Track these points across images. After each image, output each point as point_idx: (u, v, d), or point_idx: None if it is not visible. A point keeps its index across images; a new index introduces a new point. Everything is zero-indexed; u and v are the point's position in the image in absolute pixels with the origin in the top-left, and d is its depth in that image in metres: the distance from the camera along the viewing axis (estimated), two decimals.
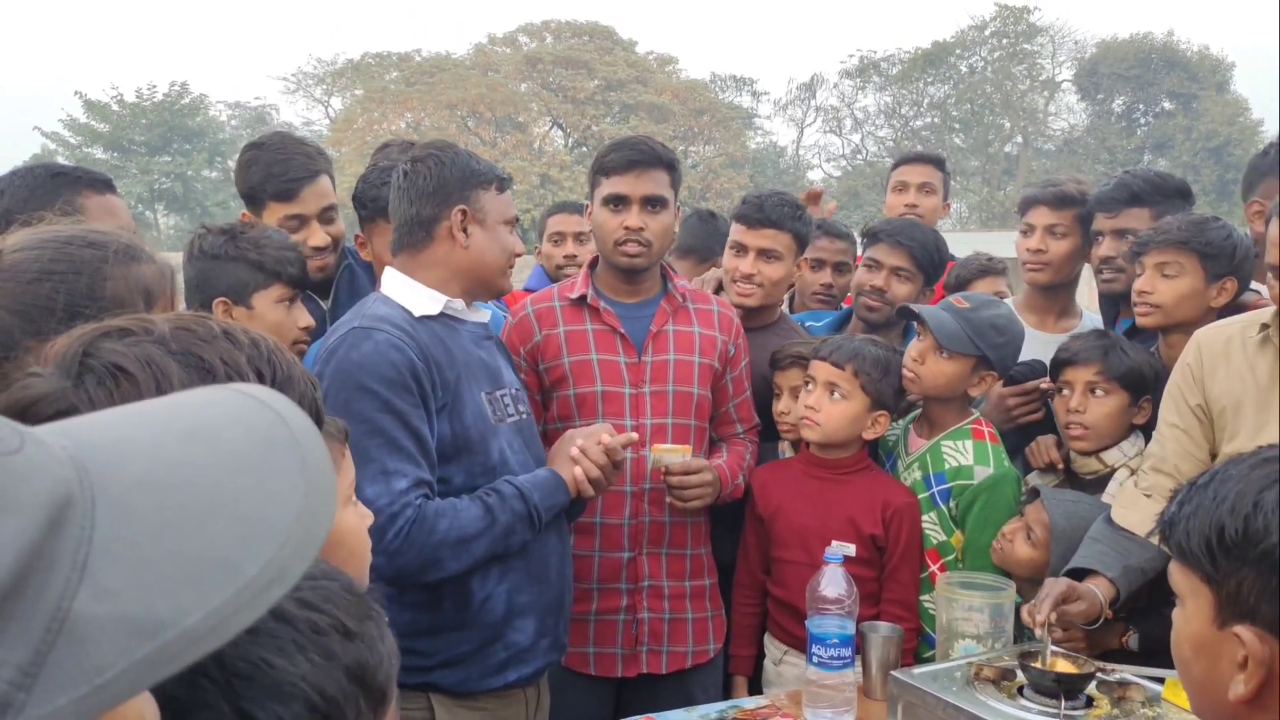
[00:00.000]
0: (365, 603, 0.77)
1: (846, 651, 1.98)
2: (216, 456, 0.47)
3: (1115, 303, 2.67)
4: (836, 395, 2.31)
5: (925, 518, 2.34)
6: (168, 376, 0.86)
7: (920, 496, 2.35)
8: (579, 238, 3.67)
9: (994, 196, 38.28)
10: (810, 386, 2.35)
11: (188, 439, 0.48)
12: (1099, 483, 2.33)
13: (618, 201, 2.31)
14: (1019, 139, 41.67)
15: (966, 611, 2.07)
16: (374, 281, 2.51)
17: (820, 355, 2.34)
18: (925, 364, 2.33)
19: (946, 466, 2.33)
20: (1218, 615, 0.95)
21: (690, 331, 2.40)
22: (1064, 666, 1.83)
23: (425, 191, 1.98)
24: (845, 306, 3.05)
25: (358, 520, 1.31)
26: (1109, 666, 1.88)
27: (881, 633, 2.12)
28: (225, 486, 0.46)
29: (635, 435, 2.13)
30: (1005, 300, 2.75)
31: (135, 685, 0.40)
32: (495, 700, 2.01)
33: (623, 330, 2.35)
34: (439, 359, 1.93)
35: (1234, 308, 2.28)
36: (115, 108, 36.36)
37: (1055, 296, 2.77)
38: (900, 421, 2.53)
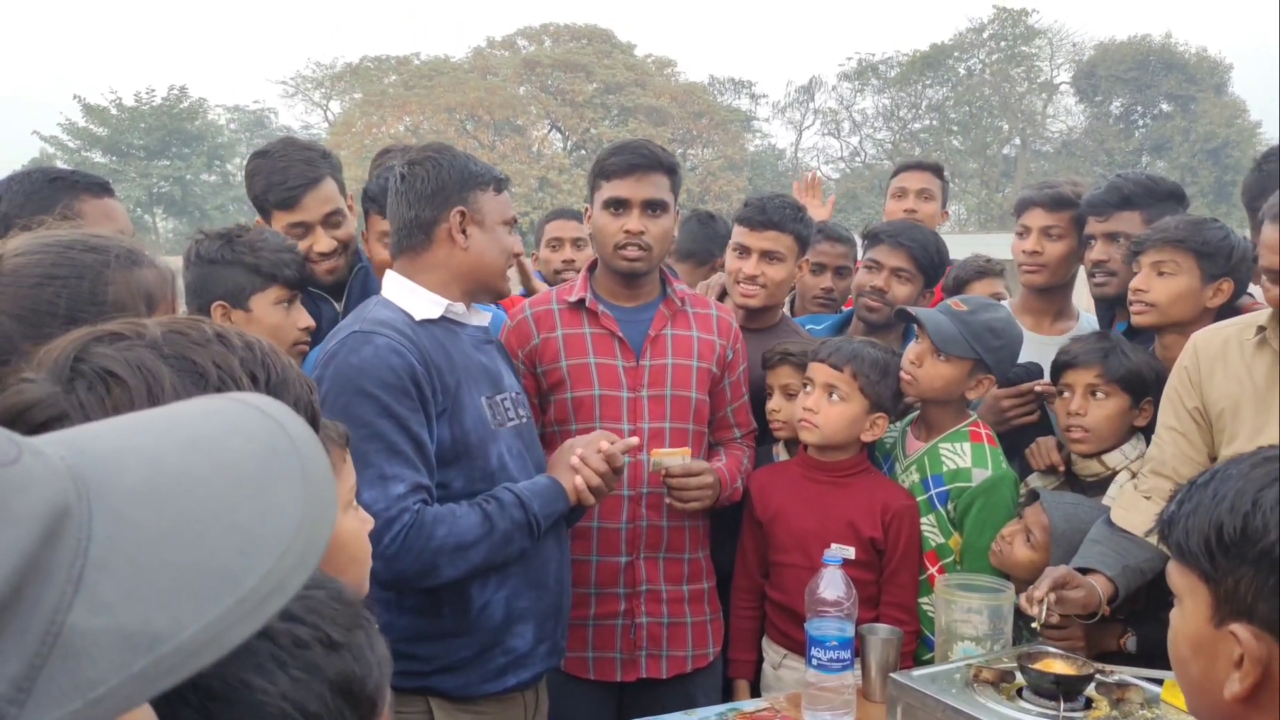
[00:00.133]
0: (354, 611, 0.75)
1: (846, 654, 1.97)
2: (216, 467, 0.47)
3: (1110, 306, 2.67)
4: (835, 397, 2.31)
5: (923, 520, 2.34)
6: (159, 381, 0.85)
7: (918, 499, 2.35)
8: (576, 243, 3.67)
9: (992, 198, 38.31)
10: (809, 388, 2.35)
11: (188, 449, 0.47)
12: (1100, 485, 2.33)
13: (618, 205, 2.31)
14: (1017, 141, 41.71)
15: (965, 613, 2.07)
16: None
17: (819, 357, 2.34)
18: (923, 366, 2.33)
19: (944, 469, 2.33)
20: (1215, 614, 0.95)
21: (689, 336, 2.40)
22: (1063, 668, 1.83)
23: (423, 194, 1.98)
24: (846, 309, 3.06)
25: (358, 525, 1.31)
26: (1108, 668, 1.88)
27: (881, 635, 2.12)
28: (225, 497, 0.46)
29: (635, 440, 2.13)
30: (1003, 303, 2.75)
31: (131, 699, 0.39)
32: (494, 705, 2.01)
33: (621, 334, 2.35)
34: (439, 363, 1.93)
35: (1230, 311, 2.28)
36: (114, 111, 36.38)
37: (1051, 298, 2.77)
38: (898, 424, 2.53)
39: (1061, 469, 2.41)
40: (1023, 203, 2.78)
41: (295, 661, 0.68)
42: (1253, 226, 2.56)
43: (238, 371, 0.89)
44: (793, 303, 3.36)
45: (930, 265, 2.79)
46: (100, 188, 1.95)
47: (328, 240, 2.51)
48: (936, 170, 3.70)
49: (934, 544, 2.33)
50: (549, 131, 39.40)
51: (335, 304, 2.60)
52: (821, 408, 2.31)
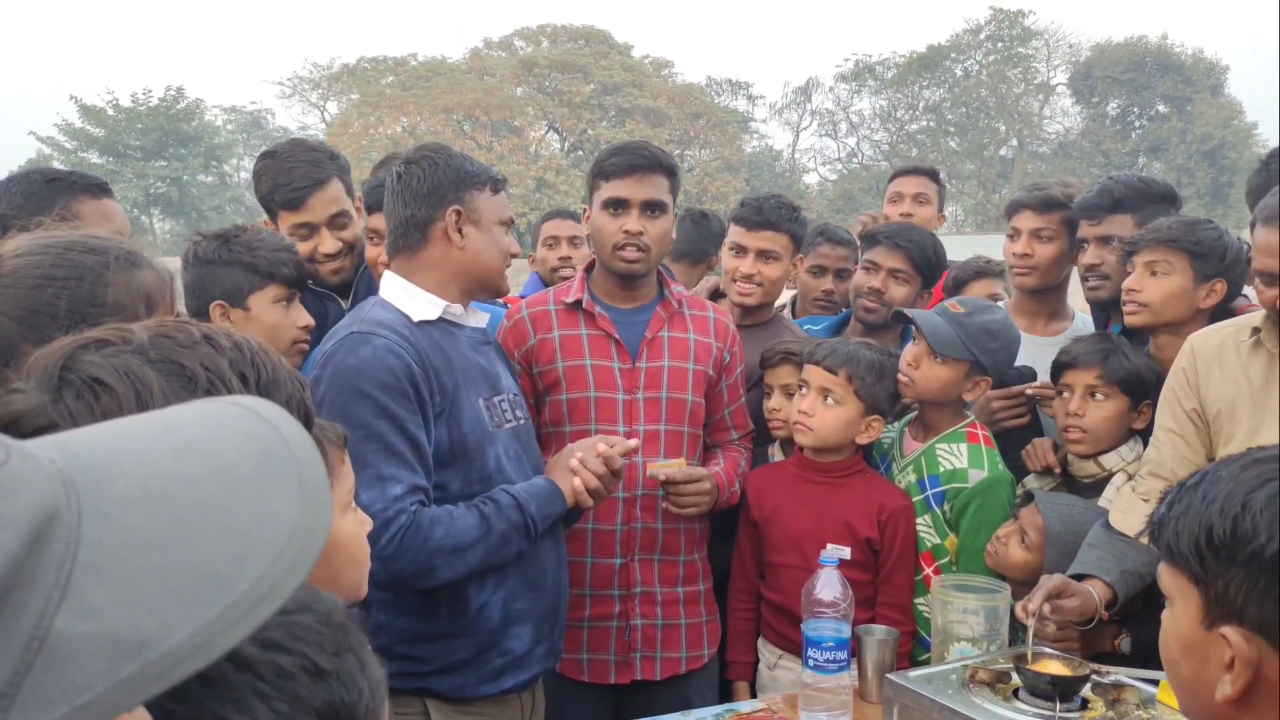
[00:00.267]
0: (343, 633, 0.72)
1: (842, 655, 1.98)
2: (210, 471, 0.46)
3: (1105, 309, 2.67)
4: (830, 400, 2.31)
5: (920, 520, 2.34)
6: (148, 386, 0.85)
7: (915, 499, 2.35)
8: (573, 241, 3.68)
9: (989, 199, 38.34)
10: (804, 390, 2.36)
11: (181, 453, 0.47)
12: (1096, 486, 2.33)
13: (618, 205, 2.31)
14: (1014, 142, 41.75)
15: (962, 614, 2.07)
16: None
17: (814, 360, 2.35)
18: (919, 368, 2.34)
19: (941, 469, 2.33)
20: (1205, 616, 0.95)
21: (685, 338, 2.40)
22: (1059, 669, 1.84)
23: (419, 193, 1.98)
24: (844, 311, 3.06)
25: (357, 527, 1.30)
26: (1104, 669, 1.88)
27: (877, 636, 2.12)
28: (218, 501, 0.45)
29: (634, 443, 2.12)
30: (999, 304, 2.75)
31: (118, 705, 0.39)
32: (491, 706, 2.01)
33: (617, 336, 2.35)
34: (437, 365, 1.93)
35: (1224, 312, 2.29)
36: (110, 112, 36.32)
37: (1045, 299, 2.77)
38: (895, 424, 2.54)
39: (1058, 470, 2.41)
40: (1013, 205, 2.79)
41: (278, 694, 0.65)
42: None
43: (227, 372, 0.88)
44: (794, 304, 3.38)
45: (928, 266, 2.80)
46: (99, 189, 1.95)
47: (333, 241, 2.51)
48: (932, 175, 3.73)
49: (930, 544, 2.34)
50: (546, 132, 39.40)
51: (342, 302, 2.60)
52: (816, 411, 2.31)
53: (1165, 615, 1.03)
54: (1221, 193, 35.11)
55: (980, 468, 2.30)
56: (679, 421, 2.36)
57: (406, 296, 2.00)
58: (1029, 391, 2.53)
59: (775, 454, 2.63)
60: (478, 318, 2.11)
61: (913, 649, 2.32)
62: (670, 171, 2.36)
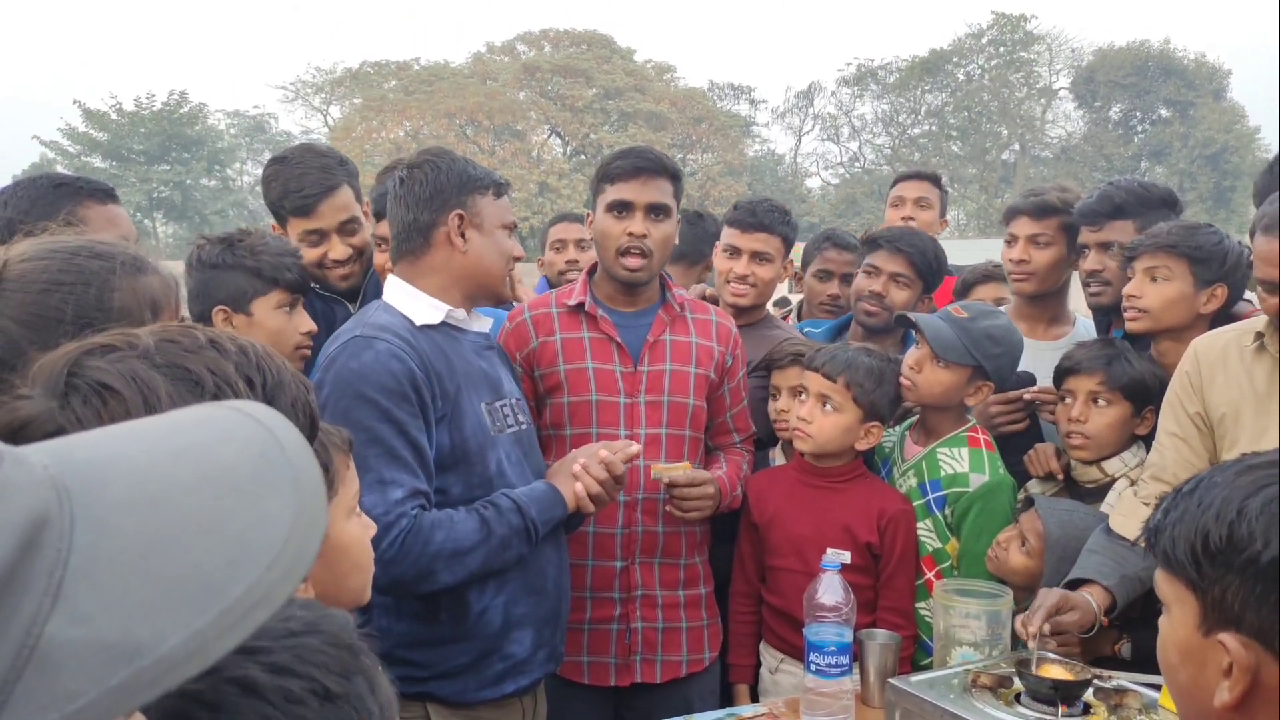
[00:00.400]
0: (353, 654, 0.72)
1: (844, 659, 1.98)
2: (205, 475, 0.46)
3: (1107, 315, 2.67)
4: (829, 407, 2.31)
5: (921, 525, 2.34)
6: (154, 391, 0.85)
7: (916, 504, 2.35)
8: (580, 244, 3.68)
9: (991, 204, 38.33)
10: (803, 397, 2.36)
11: (177, 457, 0.47)
12: (1099, 492, 2.32)
13: (622, 208, 2.32)
14: (1016, 146, 41.77)
15: (964, 619, 2.07)
16: None
17: (813, 366, 2.35)
18: (922, 372, 2.34)
19: (942, 474, 2.33)
20: (1203, 622, 0.95)
21: (687, 342, 2.41)
22: (1060, 673, 1.84)
23: (422, 198, 1.99)
24: (845, 315, 3.07)
25: (361, 531, 1.31)
26: (1105, 673, 1.88)
27: (879, 640, 2.12)
28: (213, 506, 0.45)
29: (636, 449, 2.12)
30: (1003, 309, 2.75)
31: (111, 712, 0.39)
32: (492, 710, 2.01)
33: (619, 339, 2.35)
34: (439, 369, 1.93)
35: (1226, 317, 2.28)
36: (114, 116, 36.42)
37: (1044, 304, 2.77)
38: (896, 428, 2.54)
39: (1060, 476, 2.41)
40: (1010, 211, 2.79)
41: (286, 718, 0.65)
42: None
43: (233, 376, 0.89)
44: (800, 308, 3.39)
45: (928, 271, 2.80)
46: (104, 194, 1.95)
47: (343, 247, 2.51)
48: (934, 179, 3.74)
49: (931, 549, 2.34)
50: (549, 137, 39.45)
51: (350, 306, 2.61)
52: (815, 417, 2.32)
53: (1162, 622, 1.03)
54: (1224, 197, 35.10)
55: (981, 472, 2.30)
56: (680, 425, 2.36)
57: (410, 300, 2.00)
58: (1028, 396, 2.53)
59: (777, 457, 2.63)
60: (481, 322, 2.11)
61: (914, 653, 2.31)
62: (674, 176, 2.37)
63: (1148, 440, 2.30)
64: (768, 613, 2.42)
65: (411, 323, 1.96)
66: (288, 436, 0.50)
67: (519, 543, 1.94)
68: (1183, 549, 0.96)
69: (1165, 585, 1.01)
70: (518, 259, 2.10)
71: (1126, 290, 2.33)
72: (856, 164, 44.96)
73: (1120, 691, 1.83)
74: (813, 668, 1.98)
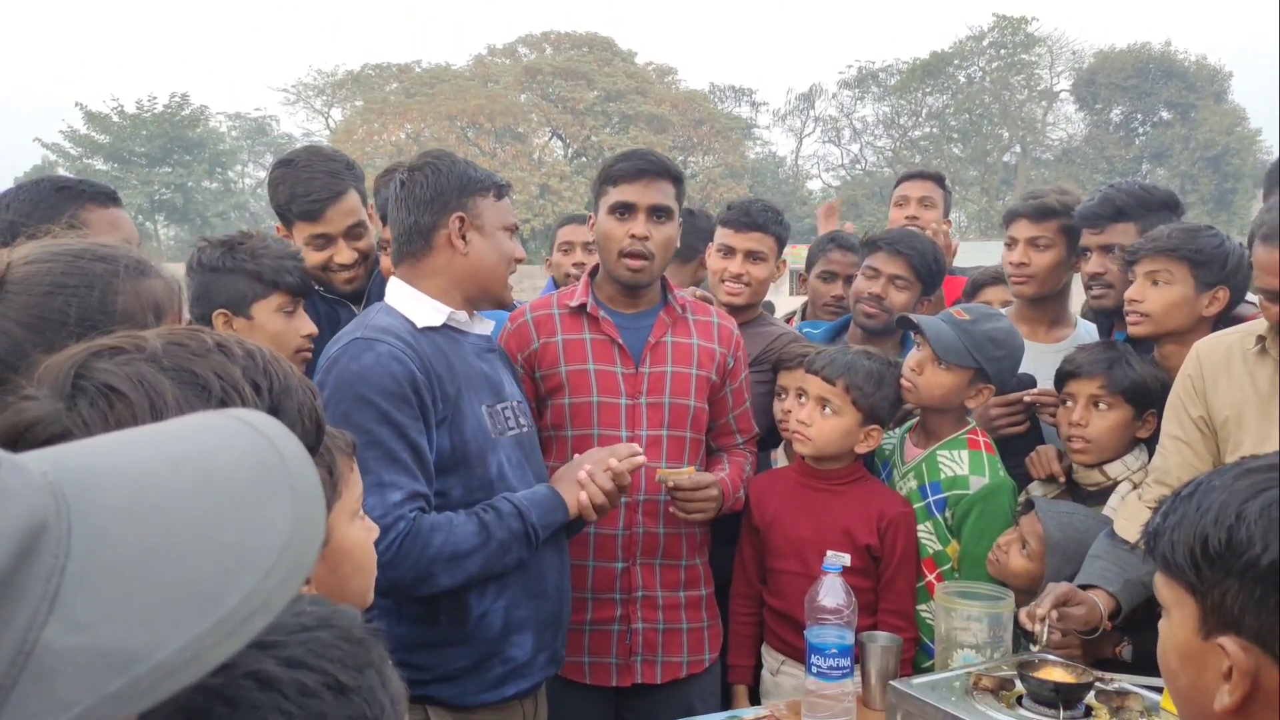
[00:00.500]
0: (365, 648, 0.73)
1: (845, 661, 1.97)
2: (203, 483, 0.46)
3: (1109, 317, 2.67)
4: (828, 410, 2.31)
5: (921, 527, 2.34)
6: (161, 395, 0.84)
7: (916, 506, 2.35)
8: (587, 247, 3.69)
9: (992, 206, 38.35)
10: (803, 399, 2.36)
11: (175, 465, 0.47)
12: (1100, 495, 2.32)
13: (625, 209, 2.32)
14: (1017, 149, 41.77)
15: (965, 621, 2.07)
16: None
17: (812, 369, 2.35)
18: (923, 374, 2.34)
19: (942, 476, 2.33)
20: (1202, 626, 0.95)
21: (689, 343, 2.41)
22: (1062, 676, 1.83)
23: (422, 200, 1.99)
24: (844, 316, 3.07)
25: (365, 534, 1.31)
26: (1107, 676, 1.88)
27: (880, 642, 2.12)
28: (210, 514, 0.45)
29: (642, 460, 2.12)
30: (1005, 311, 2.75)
31: (107, 719, 0.39)
32: (492, 713, 2.01)
33: (621, 341, 2.35)
34: (440, 371, 1.93)
35: (1230, 319, 2.28)
36: (116, 119, 36.47)
37: (1045, 307, 2.77)
38: (897, 431, 2.54)
39: (1062, 479, 2.41)
40: (1009, 214, 2.79)
41: (302, 711, 0.66)
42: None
43: (240, 381, 0.88)
44: (804, 309, 3.40)
45: (928, 273, 2.80)
46: (106, 197, 1.95)
47: (349, 252, 2.52)
48: (938, 179, 3.75)
49: (931, 551, 2.34)
50: (550, 139, 39.48)
51: (355, 309, 2.62)
52: (814, 420, 2.32)
53: (1162, 625, 1.02)
54: (1225, 199, 35.10)
55: (981, 474, 2.30)
56: (681, 427, 2.36)
57: (411, 303, 2.00)
58: (1028, 399, 2.53)
59: (779, 459, 2.63)
60: (482, 325, 2.11)
61: (916, 656, 2.31)
62: (677, 179, 2.38)
63: (1149, 443, 2.30)
64: (769, 615, 2.42)
65: (413, 325, 1.97)
66: (287, 445, 0.50)
67: (519, 547, 1.94)
68: (1182, 553, 0.96)
69: (1165, 589, 1.01)
70: (519, 261, 2.10)
71: (1128, 295, 2.33)
72: (857, 166, 44.98)
73: (1122, 694, 1.83)
74: (814, 670, 1.98)
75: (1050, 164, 40.17)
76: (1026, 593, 2.16)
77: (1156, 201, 2.55)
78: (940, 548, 2.33)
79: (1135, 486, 2.26)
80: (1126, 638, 2.11)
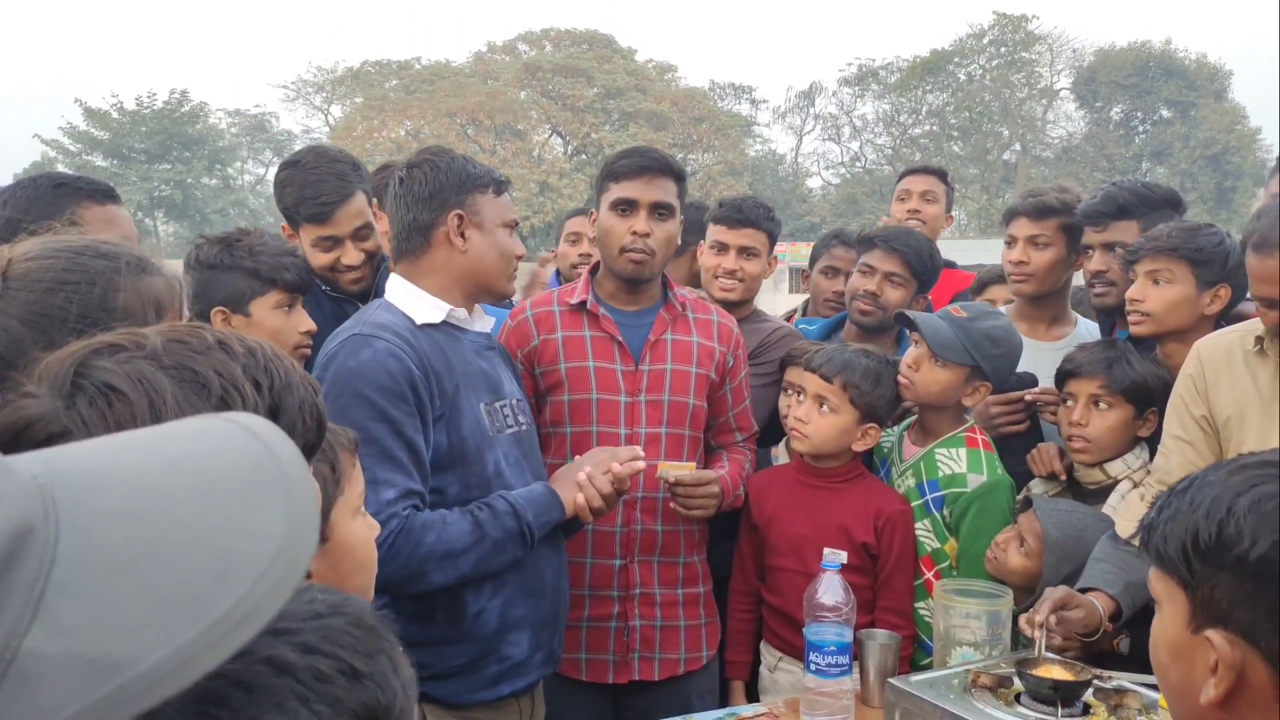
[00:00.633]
0: (376, 635, 0.73)
1: (844, 659, 1.98)
2: (196, 487, 0.46)
3: (1111, 315, 2.67)
4: (825, 408, 2.31)
5: (919, 525, 2.34)
6: (161, 393, 0.84)
7: (914, 504, 2.35)
8: (594, 240, 3.68)
9: (993, 204, 38.36)
10: (801, 397, 2.36)
11: (168, 468, 0.46)
12: (1101, 493, 2.32)
13: (626, 206, 2.32)
14: (1017, 147, 41.79)
15: (964, 619, 2.07)
16: None
17: (810, 367, 2.35)
18: (920, 371, 2.34)
19: (940, 474, 2.33)
20: (1192, 620, 0.95)
21: (689, 341, 2.41)
22: (1060, 674, 1.83)
23: (421, 197, 1.99)
24: (840, 313, 3.08)
25: (366, 531, 1.31)
26: (1105, 674, 1.88)
27: (879, 640, 2.12)
28: (203, 518, 0.44)
29: (643, 465, 2.12)
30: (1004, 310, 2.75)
31: None
32: (488, 711, 2.00)
33: (621, 338, 2.35)
34: (438, 368, 1.93)
35: (1232, 317, 2.28)
36: (115, 115, 36.47)
37: (1045, 305, 2.77)
38: (895, 429, 2.54)
39: (1063, 477, 2.41)
40: (1009, 213, 2.79)
41: (317, 696, 0.66)
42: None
43: (240, 379, 0.88)
44: (806, 306, 3.42)
45: (923, 270, 2.81)
46: (104, 194, 1.94)
47: (356, 253, 2.53)
48: (940, 174, 3.76)
49: (930, 549, 2.34)
50: (550, 136, 39.47)
51: (361, 306, 2.62)
52: (812, 418, 2.32)
53: (1155, 620, 1.03)
54: (1225, 197, 35.11)
55: (979, 472, 2.30)
56: (680, 425, 2.36)
57: (410, 299, 2.00)
58: (1028, 397, 2.53)
59: (780, 455, 2.63)
60: (483, 322, 2.11)
61: (914, 653, 2.31)
62: (679, 177, 2.38)
63: (1151, 442, 2.30)
64: (767, 612, 2.42)
65: (412, 321, 1.96)
66: (283, 450, 0.50)
67: (514, 546, 1.94)
68: (1174, 547, 0.97)
69: (1158, 583, 1.01)
70: (520, 257, 2.10)
71: (1129, 294, 2.32)
72: (857, 164, 45.00)
73: (1120, 692, 1.83)
74: (813, 667, 1.98)
75: (1050, 162, 40.18)
76: (1025, 590, 2.16)
77: (1159, 199, 2.55)
78: (938, 545, 2.33)
79: (1136, 485, 2.26)
80: (1125, 630, 2.10)
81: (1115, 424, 2.29)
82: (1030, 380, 2.56)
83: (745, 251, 2.73)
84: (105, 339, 0.89)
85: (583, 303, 2.37)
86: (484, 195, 2.02)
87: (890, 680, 1.93)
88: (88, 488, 0.43)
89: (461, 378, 1.97)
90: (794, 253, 23.21)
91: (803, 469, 2.41)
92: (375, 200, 2.67)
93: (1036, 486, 2.44)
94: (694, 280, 3.01)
